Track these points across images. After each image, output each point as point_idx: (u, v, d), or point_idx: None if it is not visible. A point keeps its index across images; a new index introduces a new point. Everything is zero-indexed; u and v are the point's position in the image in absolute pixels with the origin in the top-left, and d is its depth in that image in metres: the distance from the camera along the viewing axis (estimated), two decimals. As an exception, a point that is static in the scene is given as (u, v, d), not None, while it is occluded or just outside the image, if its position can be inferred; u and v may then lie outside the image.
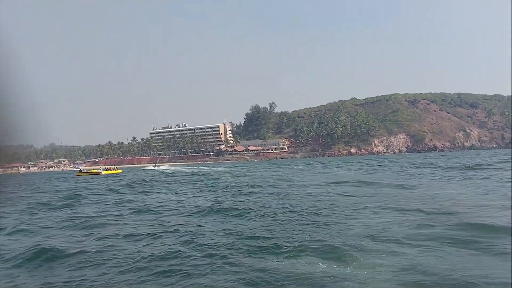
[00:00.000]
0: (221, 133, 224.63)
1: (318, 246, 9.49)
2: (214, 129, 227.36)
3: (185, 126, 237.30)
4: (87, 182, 46.44)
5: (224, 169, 70.60)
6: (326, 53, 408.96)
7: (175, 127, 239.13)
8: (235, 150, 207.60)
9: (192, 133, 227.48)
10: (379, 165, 55.28)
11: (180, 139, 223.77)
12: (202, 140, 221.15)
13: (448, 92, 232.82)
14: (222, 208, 16.42)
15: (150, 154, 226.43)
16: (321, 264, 8.16)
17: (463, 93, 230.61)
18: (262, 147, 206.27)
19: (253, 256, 9.07)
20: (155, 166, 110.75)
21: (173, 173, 61.84)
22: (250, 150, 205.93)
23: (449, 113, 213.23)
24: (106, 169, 79.02)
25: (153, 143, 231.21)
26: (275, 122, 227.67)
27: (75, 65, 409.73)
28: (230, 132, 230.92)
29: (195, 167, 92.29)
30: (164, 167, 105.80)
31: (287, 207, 15.72)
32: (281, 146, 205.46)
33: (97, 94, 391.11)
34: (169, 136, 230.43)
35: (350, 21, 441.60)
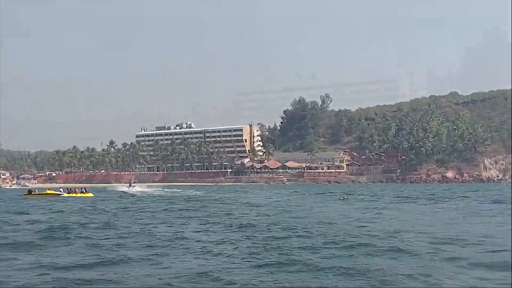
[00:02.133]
0: (245, 140, 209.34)
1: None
2: (235, 132, 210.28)
3: (190, 127, 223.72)
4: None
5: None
6: (414, 18, 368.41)
7: (174, 128, 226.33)
8: (266, 167, 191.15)
9: (201, 138, 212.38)
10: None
11: (182, 147, 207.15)
12: (216, 150, 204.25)
13: None
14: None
15: (136, 167, 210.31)
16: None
17: None
18: (308, 164, 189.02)
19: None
20: (130, 186, 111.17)
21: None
22: (289, 168, 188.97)
23: None
24: (69, 191, 76.61)
25: (140, 151, 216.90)
26: (329, 126, 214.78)
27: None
28: (258, 138, 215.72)
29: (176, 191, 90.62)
30: (139, 188, 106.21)
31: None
32: (337, 164, 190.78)
33: (56, 74, 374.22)
34: (165, 142, 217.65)
35: None
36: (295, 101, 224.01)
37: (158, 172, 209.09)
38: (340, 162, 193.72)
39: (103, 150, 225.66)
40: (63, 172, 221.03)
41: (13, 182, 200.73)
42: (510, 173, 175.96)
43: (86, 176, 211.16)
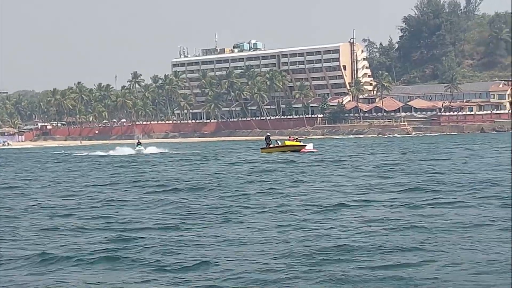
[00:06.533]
0: (344, 67, 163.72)
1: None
2: (327, 55, 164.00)
3: (257, 49, 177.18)
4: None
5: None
6: None
7: (231, 51, 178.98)
8: (378, 109, 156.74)
9: (274, 66, 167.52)
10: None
11: (245, 81, 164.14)
12: (298, 84, 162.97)
13: None
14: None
15: (173, 113, 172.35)
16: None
17: None
18: (447, 103, 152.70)
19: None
20: (138, 145, 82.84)
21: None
22: (416, 109, 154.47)
23: None
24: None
25: (180, 88, 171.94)
26: (479, 41, 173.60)
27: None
28: (365, 63, 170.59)
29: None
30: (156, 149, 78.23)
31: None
32: (494, 101, 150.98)
33: None
34: (217, 73, 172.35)
35: None
36: (422, 2, 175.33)
37: (208, 121, 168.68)
38: (499, 99, 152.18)
39: (123, 88, 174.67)
40: (63, 123, 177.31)
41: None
42: None
43: (99, 129, 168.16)
